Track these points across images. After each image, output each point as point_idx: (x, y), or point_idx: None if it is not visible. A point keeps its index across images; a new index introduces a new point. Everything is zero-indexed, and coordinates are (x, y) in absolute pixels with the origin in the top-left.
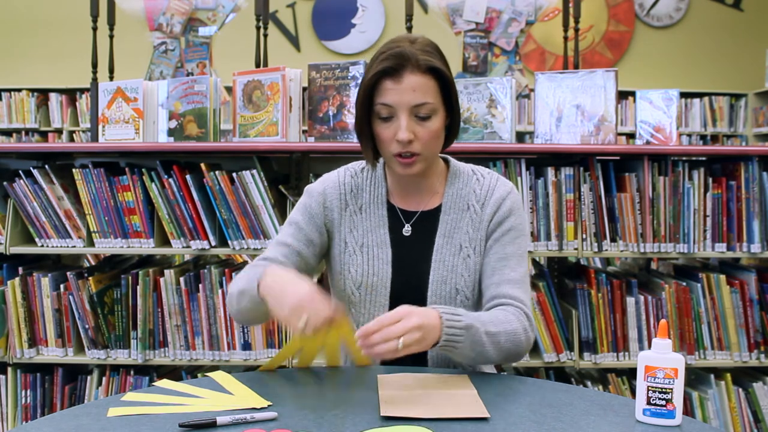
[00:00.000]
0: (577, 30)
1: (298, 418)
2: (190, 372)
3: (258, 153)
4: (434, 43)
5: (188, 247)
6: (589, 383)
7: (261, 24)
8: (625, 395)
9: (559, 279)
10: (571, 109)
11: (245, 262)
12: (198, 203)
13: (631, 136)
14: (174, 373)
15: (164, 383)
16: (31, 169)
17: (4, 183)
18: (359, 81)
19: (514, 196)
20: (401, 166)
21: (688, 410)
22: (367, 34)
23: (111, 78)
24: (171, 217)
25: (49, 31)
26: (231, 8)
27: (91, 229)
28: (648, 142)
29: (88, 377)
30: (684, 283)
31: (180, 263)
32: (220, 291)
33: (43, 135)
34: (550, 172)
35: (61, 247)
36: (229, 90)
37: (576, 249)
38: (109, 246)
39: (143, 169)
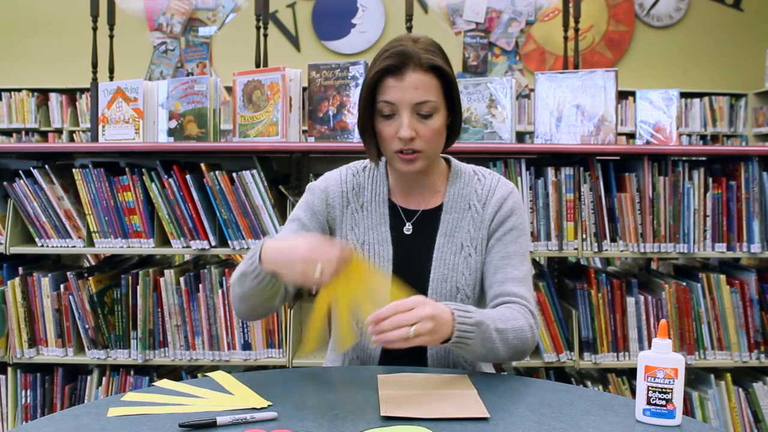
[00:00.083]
0: (577, 30)
1: (298, 418)
2: (190, 372)
3: (258, 153)
4: (437, 42)
5: (188, 247)
6: (589, 383)
7: (261, 24)
8: (625, 395)
9: (559, 279)
10: (571, 109)
11: None
12: (198, 203)
13: (631, 136)
14: (174, 373)
15: (164, 383)
16: (31, 169)
17: (4, 183)
18: (359, 81)
19: (516, 196)
20: (403, 163)
21: (688, 410)
22: (367, 34)
23: (111, 78)
24: (171, 217)
25: (49, 31)
26: (231, 8)
27: (91, 229)
28: (648, 142)
29: (88, 377)
30: (684, 283)
31: (180, 263)
32: (220, 291)
33: (43, 135)
34: (550, 172)
35: (61, 247)
36: (229, 90)
37: (576, 249)
38: (109, 246)
39: (143, 169)
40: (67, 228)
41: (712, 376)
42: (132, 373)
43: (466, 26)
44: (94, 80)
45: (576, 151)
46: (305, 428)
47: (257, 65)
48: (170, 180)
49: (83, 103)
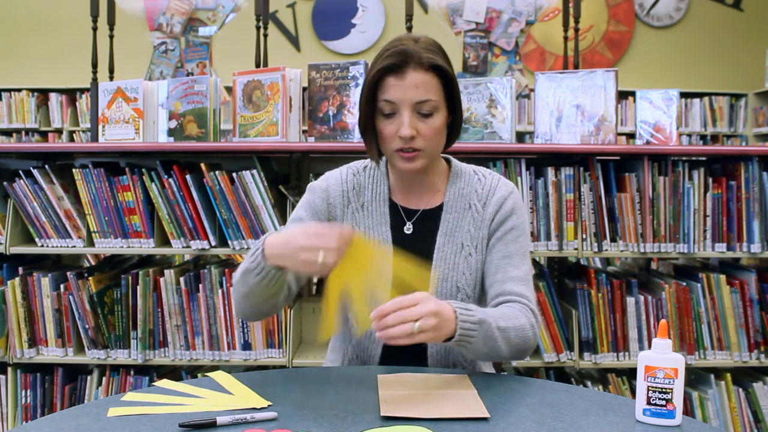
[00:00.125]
0: (577, 30)
1: (298, 418)
2: (190, 372)
3: (258, 153)
4: (438, 42)
5: (188, 247)
6: (589, 383)
7: (261, 24)
8: (625, 395)
9: (559, 279)
10: (571, 109)
11: None
12: (198, 203)
13: (631, 136)
14: (174, 373)
15: (164, 383)
16: (31, 169)
17: (4, 183)
18: (359, 81)
19: (516, 196)
20: (403, 161)
21: (688, 410)
22: (367, 34)
23: (111, 78)
24: (171, 217)
25: (49, 31)
26: (231, 8)
27: (91, 229)
28: (648, 142)
29: (88, 377)
30: (684, 283)
31: (180, 263)
32: (220, 291)
33: (43, 135)
34: (550, 172)
35: (61, 247)
36: (229, 90)
37: (576, 249)
38: (109, 246)
39: (143, 169)
40: (67, 228)
41: (712, 376)
42: (132, 373)
43: (466, 26)
44: (94, 80)
45: (576, 151)
46: (305, 428)
47: (257, 65)
48: (170, 180)
49: (83, 103)
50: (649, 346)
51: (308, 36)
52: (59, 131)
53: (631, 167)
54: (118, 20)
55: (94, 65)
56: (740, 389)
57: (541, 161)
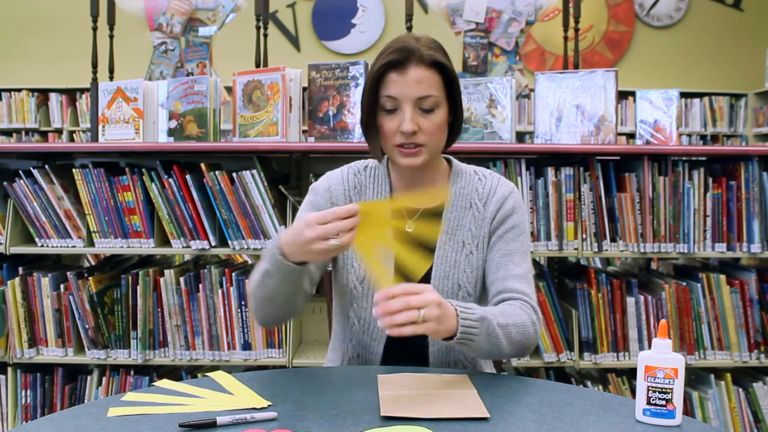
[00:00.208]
0: (577, 30)
1: (298, 418)
2: (190, 372)
3: (258, 153)
4: (438, 42)
5: (188, 247)
6: (589, 383)
7: (261, 24)
8: (625, 395)
9: (559, 279)
10: (571, 109)
11: (245, 262)
12: (198, 203)
13: (631, 136)
14: (174, 373)
15: (164, 383)
16: (31, 169)
17: (4, 183)
18: (359, 81)
19: (516, 196)
20: (404, 157)
21: (688, 410)
22: (367, 34)
23: (111, 78)
24: (171, 217)
25: (49, 31)
26: (231, 8)
27: (91, 229)
28: (648, 142)
29: (88, 377)
30: (684, 283)
31: (180, 263)
32: (220, 291)
33: (43, 135)
34: (550, 172)
35: (61, 247)
36: (229, 90)
37: (576, 249)
38: (109, 246)
39: (143, 169)
40: (67, 228)
41: (712, 376)
42: (132, 373)
43: (466, 26)
44: (94, 80)
45: (576, 151)
46: (305, 428)
47: (257, 65)
48: (170, 180)
49: (83, 103)
50: (649, 346)
51: (308, 36)
52: (59, 131)
53: (631, 167)
54: (118, 20)
55: (94, 65)
56: (740, 389)
57: (541, 161)
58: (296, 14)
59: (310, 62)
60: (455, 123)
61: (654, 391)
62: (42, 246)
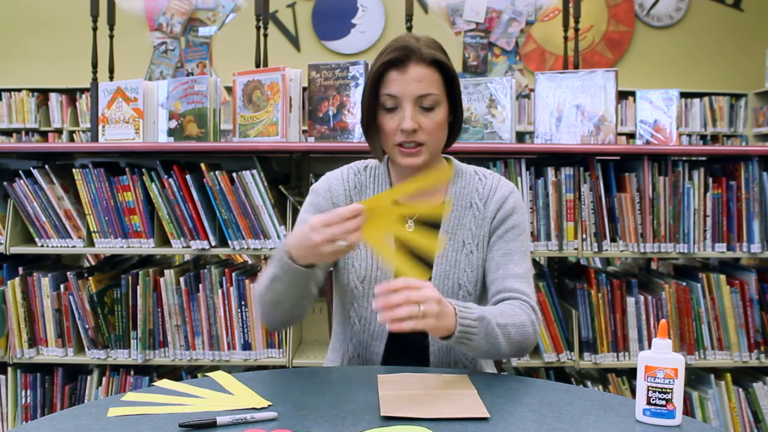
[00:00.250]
0: (577, 30)
1: (298, 418)
2: (190, 372)
3: (258, 153)
4: (438, 42)
5: (188, 247)
6: (589, 383)
7: (261, 24)
8: (625, 395)
9: (559, 279)
10: (571, 109)
11: (245, 262)
12: (198, 203)
13: (631, 136)
14: (174, 373)
15: (164, 383)
16: (31, 169)
17: (4, 183)
18: (359, 81)
19: (516, 195)
20: (404, 156)
21: (688, 410)
22: (367, 34)
23: (111, 78)
24: (171, 217)
25: (49, 31)
26: (231, 8)
27: (91, 229)
28: (648, 142)
29: (88, 377)
30: (684, 283)
31: (180, 263)
32: (220, 291)
33: (43, 135)
34: (550, 172)
35: (61, 247)
36: (229, 90)
37: (576, 249)
38: (109, 246)
39: (143, 169)
40: (67, 228)
41: (712, 376)
42: (132, 373)
43: (466, 26)
44: (94, 80)
45: (576, 151)
46: (305, 428)
47: (257, 65)
48: (170, 180)
49: (83, 103)
50: (649, 346)
51: (308, 36)
52: (59, 131)
53: (631, 167)
54: (118, 20)
55: (94, 65)
56: (740, 389)
57: (541, 161)
58: (296, 14)
59: (310, 62)
60: (455, 122)
61: (654, 391)
62: (42, 246)
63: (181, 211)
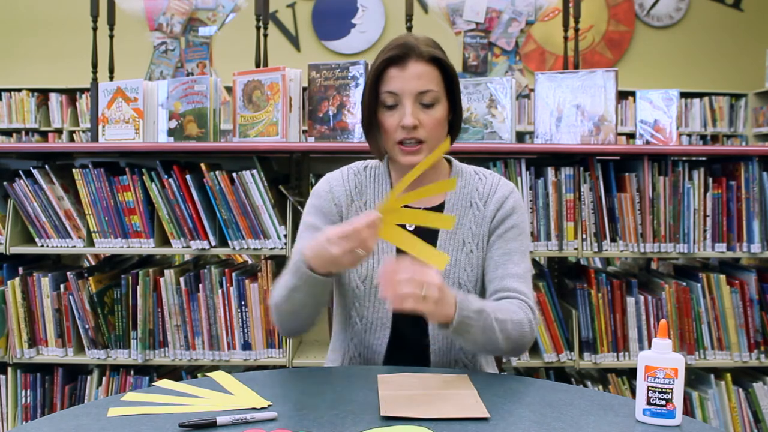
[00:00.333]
0: (577, 30)
1: (298, 418)
2: (190, 372)
3: (258, 153)
4: (437, 42)
5: (188, 247)
6: (589, 383)
7: (261, 24)
8: (625, 395)
9: (559, 279)
10: (571, 109)
11: (245, 262)
12: (198, 203)
13: (631, 136)
14: (174, 373)
15: (164, 383)
16: (31, 169)
17: (4, 183)
18: (359, 81)
19: (516, 195)
20: (405, 155)
21: (688, 410)
22: (367, 34)
23: (111, 78)
24: (171, 217)
25: (49, 31)
26: (231, 8)
27: (91, 229)
28: (648, 142)
29: (88, 377)
30: (684, 283)
31: (180, 263)
32: (220, 291)
33: (43, 135)
34: (550, 172)
35: (61, 247)
36: (229, 90)
37: (576, 249)
38: (109, 246)
39: (143, 169)
40: (67, 228)
41: (712, 376)
42: (132, 373)
43: (466, 26)
44: (94, 80)
45: (576, 151)
46: (305, 428)
47: (257, 65)
48: (170, 180)
49: (83, 103)
50: (649, 346)
51: (308, 36)
52: (59, 131)
53: (631, 167)
54: (118, 20)
55: (94, 65)
56: (740, 389)
57: (541, 161)
58: (296, 14)
59: (310, 62)
60: (455, 121)
61: (654, 391)
62: (42, 246)
63: (181, 211)
